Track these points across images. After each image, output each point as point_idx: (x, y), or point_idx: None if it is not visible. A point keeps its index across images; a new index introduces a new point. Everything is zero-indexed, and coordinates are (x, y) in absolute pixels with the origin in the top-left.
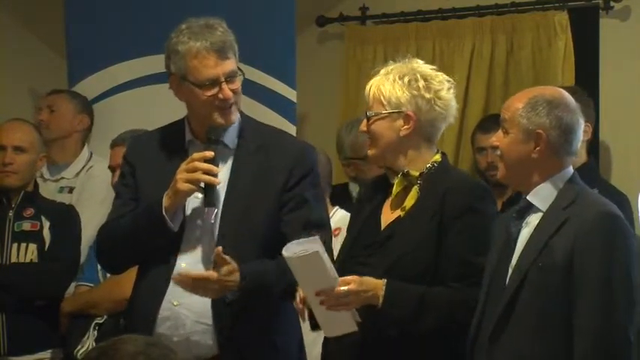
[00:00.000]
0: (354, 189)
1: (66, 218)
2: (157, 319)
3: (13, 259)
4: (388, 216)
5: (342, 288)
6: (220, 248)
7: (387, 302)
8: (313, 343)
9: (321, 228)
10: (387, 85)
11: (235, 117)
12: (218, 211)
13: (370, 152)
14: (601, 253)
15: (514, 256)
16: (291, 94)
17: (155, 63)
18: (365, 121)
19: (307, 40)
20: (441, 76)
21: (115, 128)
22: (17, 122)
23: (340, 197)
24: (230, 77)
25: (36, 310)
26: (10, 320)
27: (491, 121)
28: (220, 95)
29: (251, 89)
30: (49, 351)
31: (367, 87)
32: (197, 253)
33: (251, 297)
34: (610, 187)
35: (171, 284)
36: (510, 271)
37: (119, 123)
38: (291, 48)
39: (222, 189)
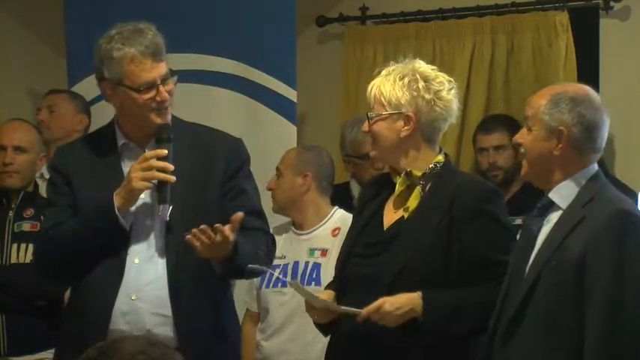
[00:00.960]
0: (355, 188)
1: None
2: (112, 315)
3: (13, 260)
4: (391, 216)
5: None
6: (241, 214)
7: (427, 314)
8: (313, 342)
9: (261, 216)
10: (388, 85)
11: (170, 116)
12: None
13: (372, 152)
14: (611, 252)
15: (532, 254)
16: (291, 94)
17: None
18: (367, 121)
19: (307, 40)
20: (442, 77)
21: None
22: (17, 122)
23: (341, 197)
24: (165, 79)
25: (36, 310)
26: (10, 320)
27: (492, 122)
28: (158, 97)
29: (251, 89)
30: (50, 351)
31: (369, 87)
32: (149, 249)
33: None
34: (619, 183)
35: (125, 279)
36: (527, 269)
37: None
38: (291, 48)
39: None
